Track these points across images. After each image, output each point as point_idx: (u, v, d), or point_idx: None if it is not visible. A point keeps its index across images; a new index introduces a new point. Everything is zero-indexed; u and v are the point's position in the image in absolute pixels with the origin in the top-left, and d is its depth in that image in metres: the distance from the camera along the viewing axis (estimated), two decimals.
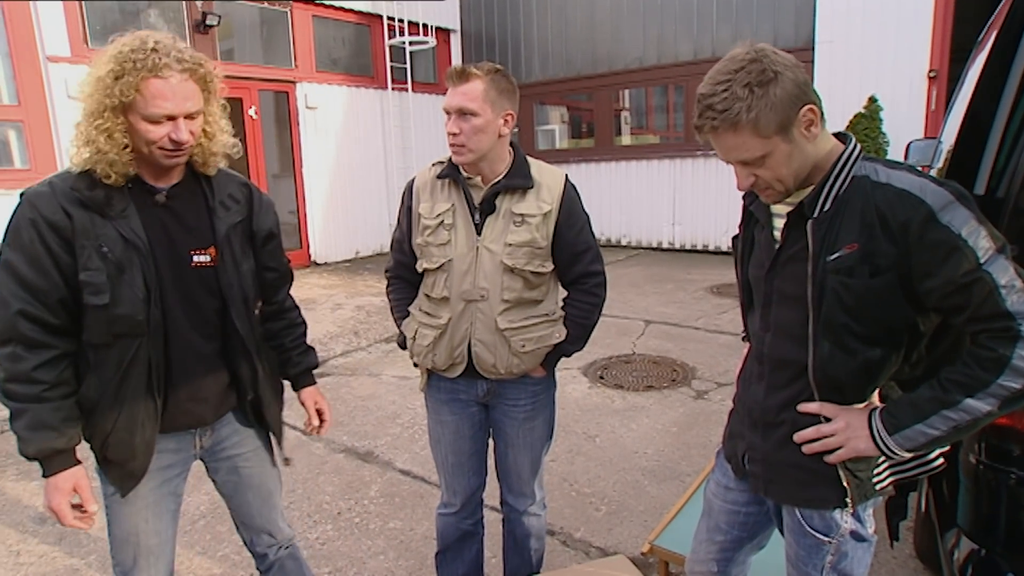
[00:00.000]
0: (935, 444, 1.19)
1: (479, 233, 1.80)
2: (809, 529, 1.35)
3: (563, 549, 2.64)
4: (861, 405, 1.28)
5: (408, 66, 9.29)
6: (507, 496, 2.09)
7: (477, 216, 1.80)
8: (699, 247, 9.07)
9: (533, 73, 10.13)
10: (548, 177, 1.84)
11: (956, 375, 1.15)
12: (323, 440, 3.69)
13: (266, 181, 8.22)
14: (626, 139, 10.05)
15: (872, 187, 1.17)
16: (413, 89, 9.46)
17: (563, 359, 1.95)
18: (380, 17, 9.08)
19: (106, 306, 1.40)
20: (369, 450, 3.58)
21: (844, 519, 1.32)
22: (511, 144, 1.85)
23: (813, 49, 7.70)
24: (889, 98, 7.14)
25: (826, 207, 1.21)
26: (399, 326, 1.99)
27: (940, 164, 2.74)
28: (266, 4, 8.01)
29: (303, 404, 1.86)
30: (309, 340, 1.89)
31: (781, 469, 1.37)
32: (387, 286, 2.06)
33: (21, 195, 1.40)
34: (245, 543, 1.84)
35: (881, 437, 1.21)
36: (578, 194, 1.89)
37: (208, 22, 7.25)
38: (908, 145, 3.79)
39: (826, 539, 1.34)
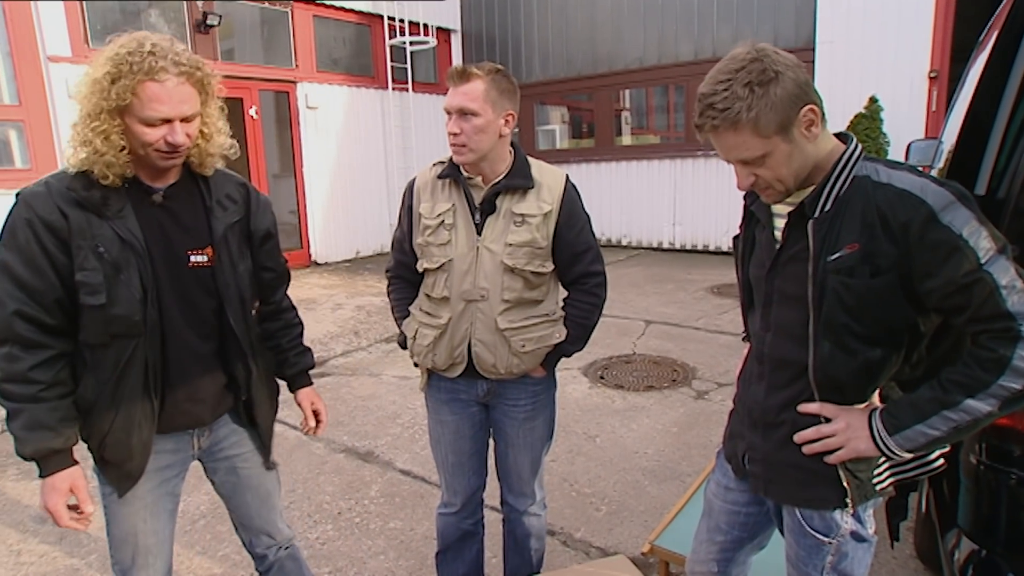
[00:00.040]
0: (935, 445, 1.19)
1: (479, 233, 1.80)
2: (809, 529, 1.35)
3: (563, 549, 2.64)
4: (861, 405, 1.27)
5: (409, 66, 9.30)
6: (507, 496, 2.09)
7: (477, 216, 1.80)
8: (699, 247, 9.06)
9: (534, 73, 10.13)
10: (549, 177, 1.84)
11: (956, 375, 1.15)
12: (323, 440, 3.69)
13: (267, 181, 8.22)
14: (627, 139, 10.05)
15: (873, 187, 1.17)
16: (414, 89, 9.46)
17: (563, 359, 1.94)
18: (381, 17, 9.08)
19: (103, 306, 1.40)
20: (369, 450, 3.58)
21: (844, 519, 1.32)
22: (512, 144, 1.85)
23: (814, 49, 7.70)
24: (890, 98, 7.14)
25: (827, 207, 1.21)
26: (399, 326, 1.99)
27: (941, 164, 2.74)
28: (267, 4, 8.01)
29: (299, 405, 1.85)
30: (310, 340, 1.89)
31: (781, 469, 1.37)
32: (388, 286, 2.06)
33: (17, 195, 1.40)
34: (244, 544, 1.84)
35: (881, 437, 1.21)
36: (579, 194, 1.89)
37: (209, 22, 7.25)
38: (909, 145, 3.79)
39: (826, 539, 1.33)
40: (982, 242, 1.09)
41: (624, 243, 9.75)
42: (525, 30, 10.12)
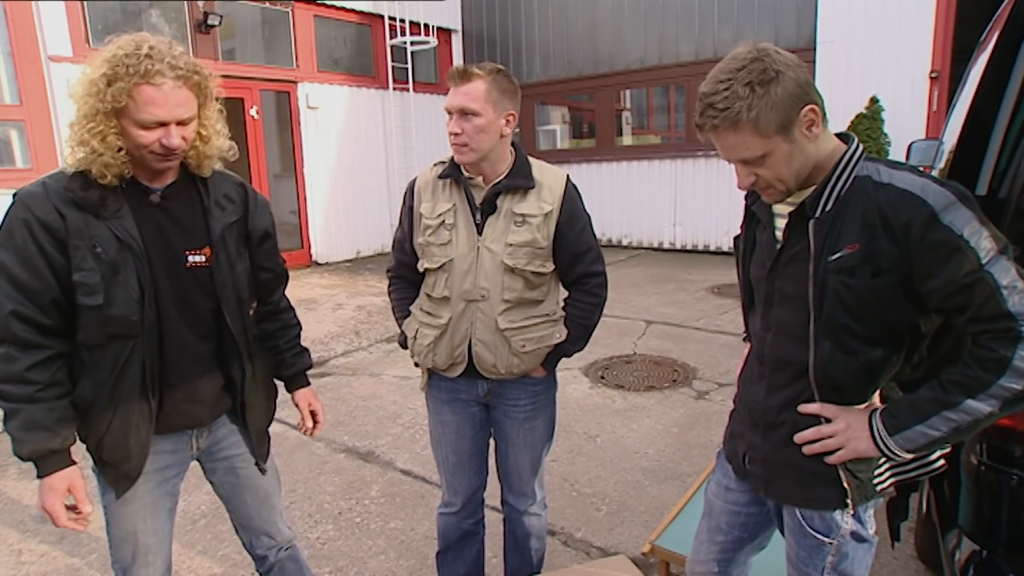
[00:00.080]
0: (936, 445, 1.19)
1: (480, 233, 1.80)
2: (810, 530, 1.35)
3: (564, 549, 2.64)
4: (862, 406, 1.27)
5: (409, 66, 9.30)
6: (508, 496, 2.09)
7: (478, 216, 1.80)
8: (700, 247, 9.06)
9: (534, 73, 10.14)
10: (549, 177, 1.84)
11: (957, 376, 1.15)
12: (324, 440, 3.69)
13: (267, 181, 8.23)
14: (627, 139, 10.05)
15: (874, 187, 1.17)
16: (414, 89, 9.46)
17: (564, 359, 1.94)
18: (381, 17, 9.08)
19: (100, 307, 1.39)
20: (370, 450, 3.58)
21: (845, 520, 1.32)
22: (512, 144, 1.85)
23: (815, 49, 7.70)
24: (891, 98, 7.14)
25: (828, 207, 1.21)
26: (400, 326, 1.99)
27: (942, 165, 2.74)
28: (268, 4, 8.01)
29: (297, 405, 1.85)
30: (310, 340, 1.89)
31: (781, 469, 1.37)
32: (388, 286, 2.06)
33: (14, 195, 1.40)
34: (245, 546, 1.83)
35: (882, 438, 1.21)
36: (579, 194, 1.89)
37: (210, 22, 7.25)
38: (910, 146, 3.79)
39: (827, 540, 1.33)
40: (983, 242, 1.09)
41: (625, 243, 9.74)
42: (526, 30, 10.12)
